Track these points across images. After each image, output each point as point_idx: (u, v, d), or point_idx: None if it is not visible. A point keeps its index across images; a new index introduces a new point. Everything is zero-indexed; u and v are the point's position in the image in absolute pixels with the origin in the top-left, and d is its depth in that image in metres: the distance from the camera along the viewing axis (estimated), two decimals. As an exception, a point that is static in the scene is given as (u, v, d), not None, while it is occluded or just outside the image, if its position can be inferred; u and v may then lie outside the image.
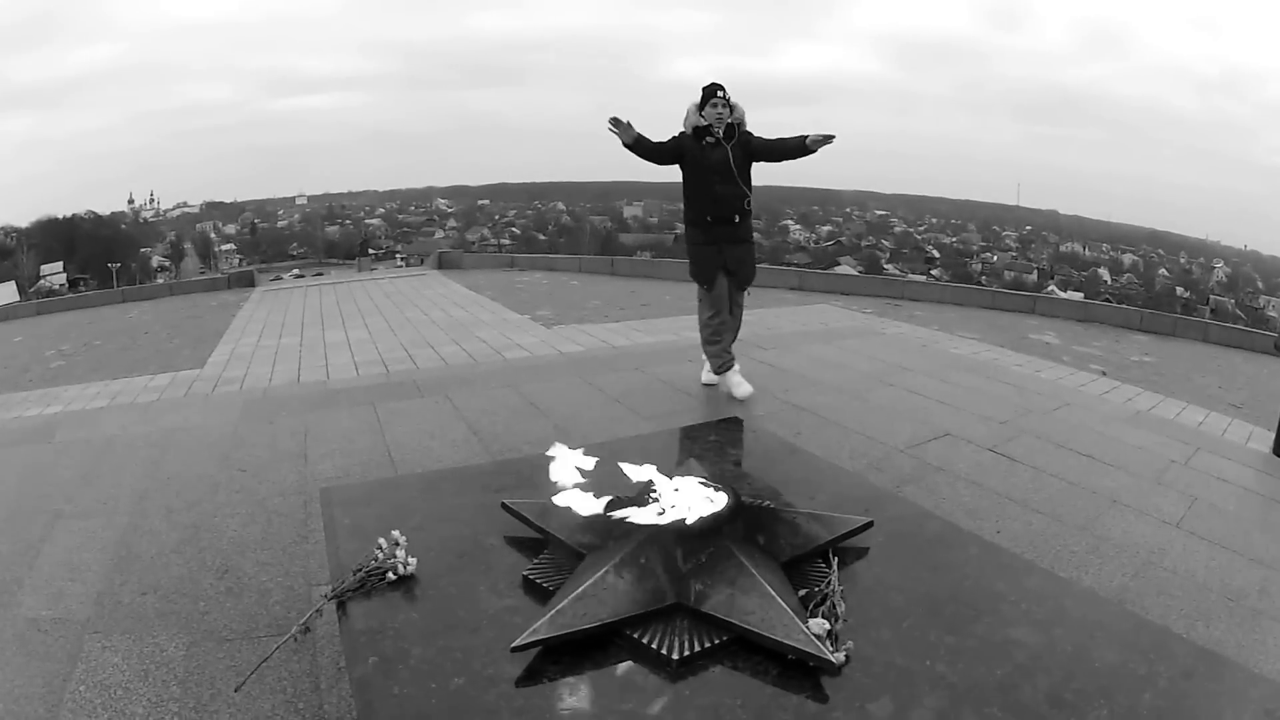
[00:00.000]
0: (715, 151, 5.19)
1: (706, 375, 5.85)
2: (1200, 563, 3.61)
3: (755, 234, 5.78)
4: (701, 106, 5.21)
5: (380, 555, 2.06)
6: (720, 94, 5.18)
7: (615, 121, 5.04)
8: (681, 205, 5.62)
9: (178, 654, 2.61)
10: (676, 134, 5.30)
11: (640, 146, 5.15)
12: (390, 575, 2.02)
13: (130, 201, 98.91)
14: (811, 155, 5.23)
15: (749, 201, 5.35)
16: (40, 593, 3.06)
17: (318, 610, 2.12)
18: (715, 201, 5.28)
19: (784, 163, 5.37)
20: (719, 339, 5.58)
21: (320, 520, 3.39)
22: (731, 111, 5.22)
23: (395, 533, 2.11)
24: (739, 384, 5.54)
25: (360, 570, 2.03)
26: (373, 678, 1.67)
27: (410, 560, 2.05)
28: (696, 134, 5.23)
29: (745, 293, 5.74)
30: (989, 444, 4.82)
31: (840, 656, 1.67)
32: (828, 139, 5.16)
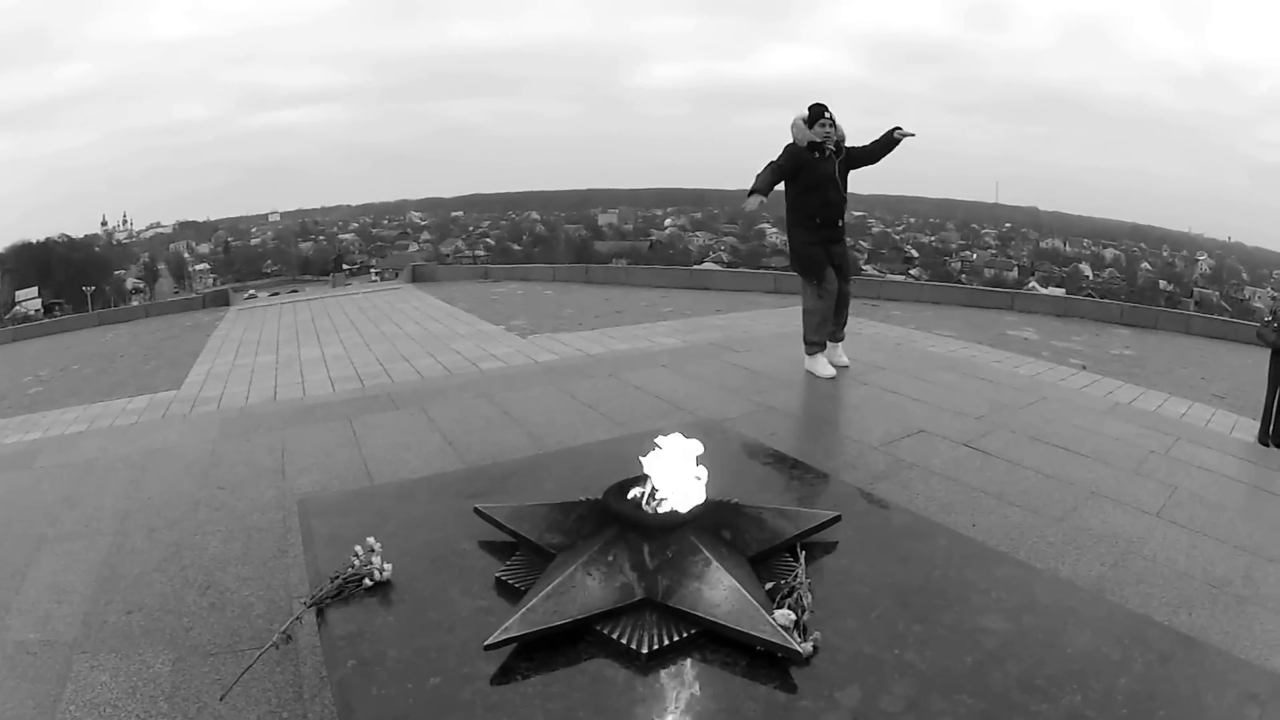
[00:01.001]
0: (826, 164, 5.98)
1: (822, 369, 6.34)
2: (1181, 551, 3.64)
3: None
4: (810, 124, 5.95)
5: (357, 562, 2.07)
6: (827, 114, 5.96)
7: (752, 199, 5.88)
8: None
9: (164, 670, 2.64)
10: (788, 147, 6.04)
11: (771, 186, 5.92)
12: (367, 581, 2.03)
13: (104, 223, 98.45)
14: (896, 146, 6.12)
15: (847, 210, 6.20)
16: (28, 616, 3.08)
17: (298, 618, 2.14)
18: (826, 207, 6.05)
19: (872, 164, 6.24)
20: (821, 330, 6.29)
21: (300, 535, 3.44)
22: (836, 130, 5.98)
23: (370, 539, 2.12)
24: (840, 356, 6.48)
25: (338, 578, 2.04)
26: (352, 680, 1.70)
27: (386, 566, 2.07)
28: (810, 146, 5.95)
29: (849, 281, 6.44)
30: (964, 439, 4.86)
31: (808, 647, 1.70)
32: (909, 134, 6.07)
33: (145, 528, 3.80)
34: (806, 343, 6.35)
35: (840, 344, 6.50)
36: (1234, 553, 3.67)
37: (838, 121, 5.99)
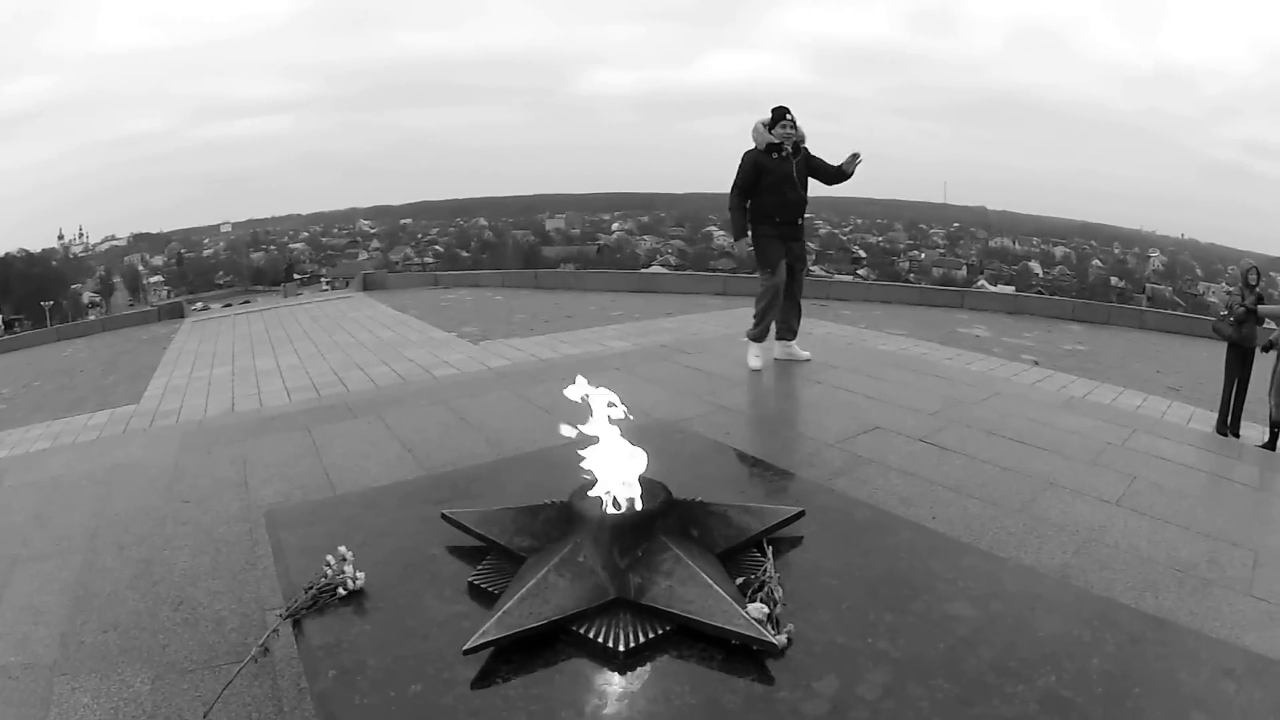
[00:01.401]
0: (784, 165, 6.22)
1: (752, 361, 6.58)
2: (1144, 537, 3.70)
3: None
4: (771, 126, 6.23)
5: (329, 572, 2.08)
6: (788, 116, 6.22)
7: (740, 243, 6.38)
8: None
9: (144, 689, 2.63)
10: (745, 156, 6.31)
11: (745, 215, 6.36)
12: (341, 590, 2.04)
13: (60, 237, 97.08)
14: (849, 179, 6.42)
15: (806, 206, 6.46)
16: (7, 638, 3.06)
17: (274, 630, 2.15)
18: (784, 206, 6.29)
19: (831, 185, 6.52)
20: (767, 317, 6.56)
21: (267, 546, 3.40)
22: (796, 130, 6.23)
23: (342, 549, 2.12)
24: (800, 351, 6.80)
25: (312, 588, 2.04)
26: (334, 690, 1.70)
27: (359, 575, 2.07)
28: (768, 148, 6.23)
29: (805, 274, 6.78)
30: (920, 435, 4.93)
31: (782, 639, 1.74)
32: (855, 158, 6.31)
33: (115, 544, 3.77)
34: (752, 328, 6.63)
35: (794, 342, 6.77)
36: (1197, 538, 3.75)
37: (798, 124, 6.23)
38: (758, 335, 6.62)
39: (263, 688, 2.53)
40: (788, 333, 6.77)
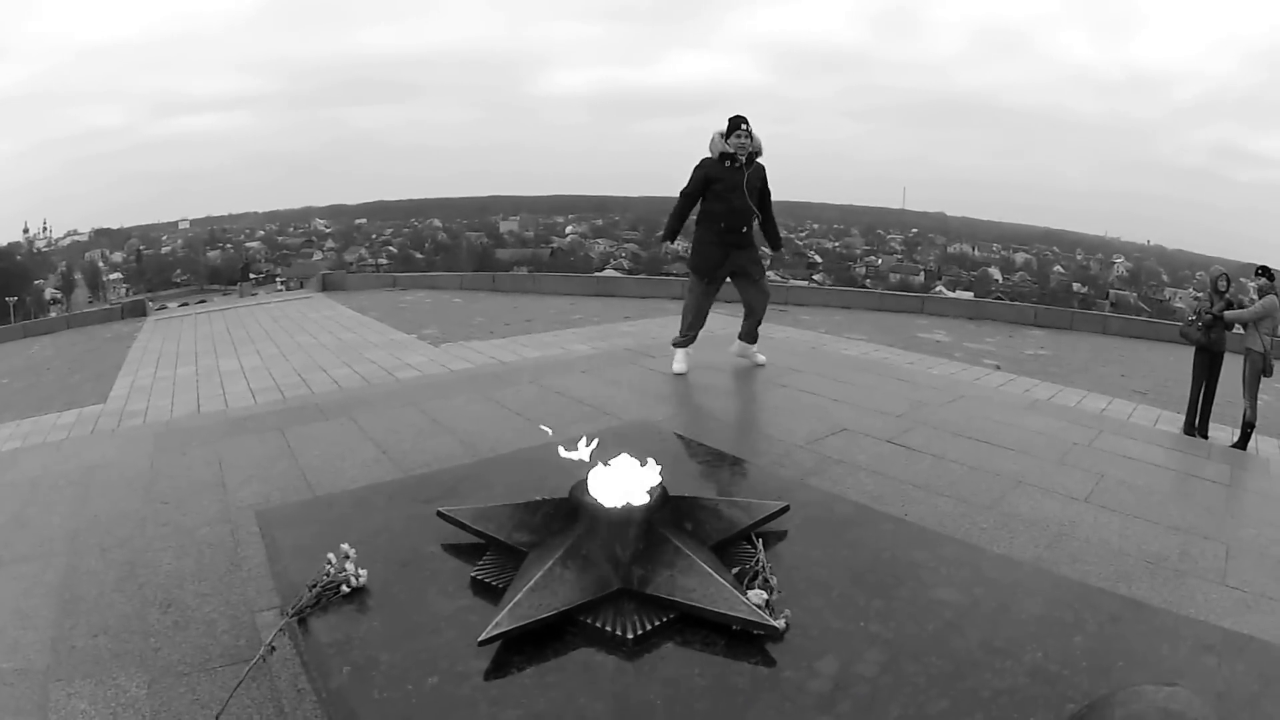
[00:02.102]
0: (736, 174, 6.19)
1: (678, 365, 6.63)
2: (1114, 532, 3.79)
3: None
4: (727, 135, 6.18)
5: (331, 570, 2.11)
6: (744, 126, 6.16)
7: (665, 245, 6.77)
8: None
9: (140, 693, 2.60)
10: (699, 164, 6.30)
11: (681, 223, 6.61)
12: (344, 588, 2.07)
13: (25, 230, 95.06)
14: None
15: (756, 217, 6.39)
16: (-3, 644, 3.02)
17: (281, 629, 2.17)
18: (730, 213, 6.27)
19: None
20: (695, 330, 6.67)
21: (250, 547, 3.45)
22: (751, 141, 6.17)
23: (345, 546, 2.16)
24: (759, 354, 6.85)
25: (315, 586, 2.07)
26: (350, 686, 1.74)
27: (361, 572, 2.11)
28: (721, 157, 6.21)
29: (763, 280, 6.73)
30: (887, 436, 5.00)
31: (781, 623, 1.82)
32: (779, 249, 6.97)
33: (97, 547, 3.72)
34: (679, 335, 6.71)
35: (755, 345, 6.83)
36: (1168, 532, 3.85)
37: (755, 134, 6.20)
38: (681, 342, 6.68)
39: (261, 690, 2.52)
40: (749, 336, 6.78)
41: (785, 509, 2.37)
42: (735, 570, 2.05)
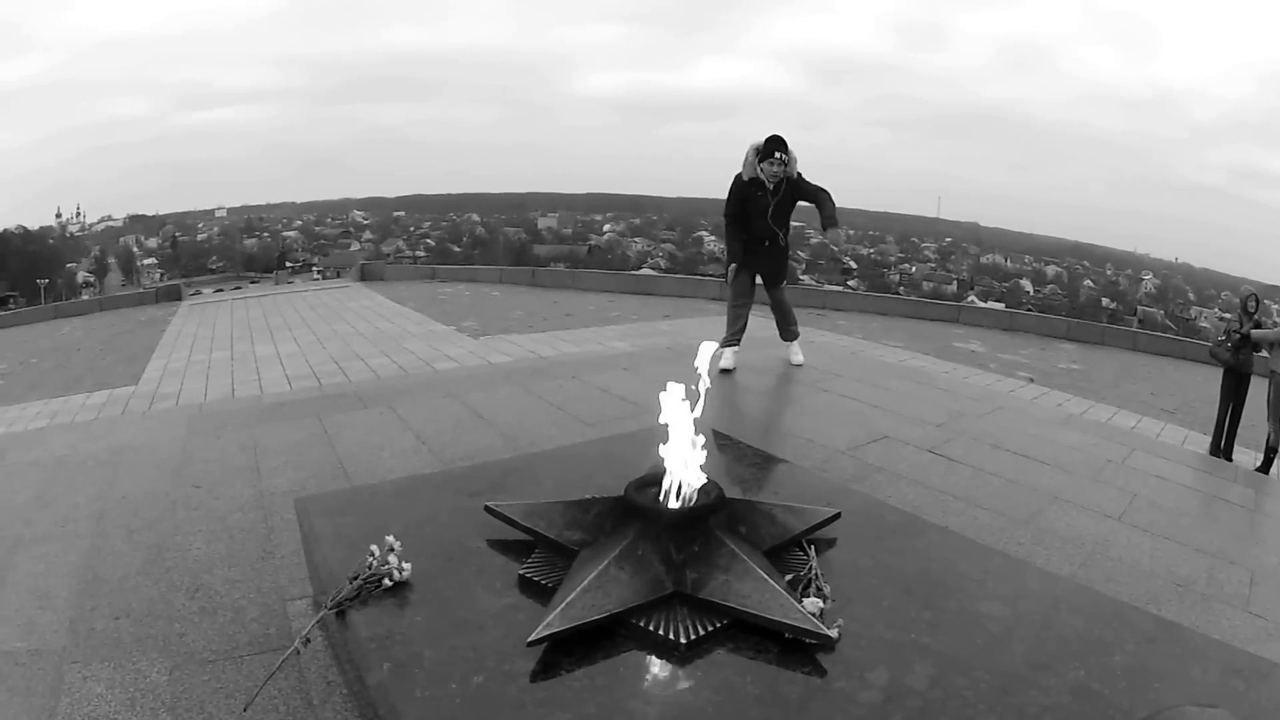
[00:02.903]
0: (764, 200, 6.29)
1: (725, 362, 6.57)
2: (1145, 553, 3.74)
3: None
4: (762, 157, 6.20)
5: (374, 562, 2.07)
6: (779, 155, 6.16)
7: (731, 270, 6.66)
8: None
9: (161, 679, 2.53)
10: (735, 179, 6.37)
11: (737, 235, 6.54)
12: (386, 581, 2.04)
13: (58, 215, 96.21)
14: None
15: (781, 236, 6.54)
16: (11, 623, 2.96)
17: (319, 621, 2.13)
18: (751, 232, 6.42)
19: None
20: (739, 332, 6.68)
21: (284, 534, 3.41)
22: (785, 169, 6.21)
23: (390, 538, 2.12)
24: (796, 353, 6.93)
25: (357, 578, 2.04)
26: (392, 683, 1.70)
27: (405, 566, 2.07)
28: (752, 182, 6.28)
29: (783, 286, 6.84)
30: (927, 445, 4.94)
31: (834, 632, 1.79)
32: (833, 230, 6.38)
33: (124, 528, 3.68)
34: (725, 336, 6.74)
35: (794, 343, 6.95)
36: (1196, 555, 3.80)
37: (790, 159, 6.24)
38: (726, 342, 6.67)
39: (289, 680, 2.45)
40: (787, 334, 6.88)
41: (837, 515, 2.35)
42: (789, 577, 2.02)
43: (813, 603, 1.86)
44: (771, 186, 6.26)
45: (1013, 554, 3.47)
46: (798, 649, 1.77)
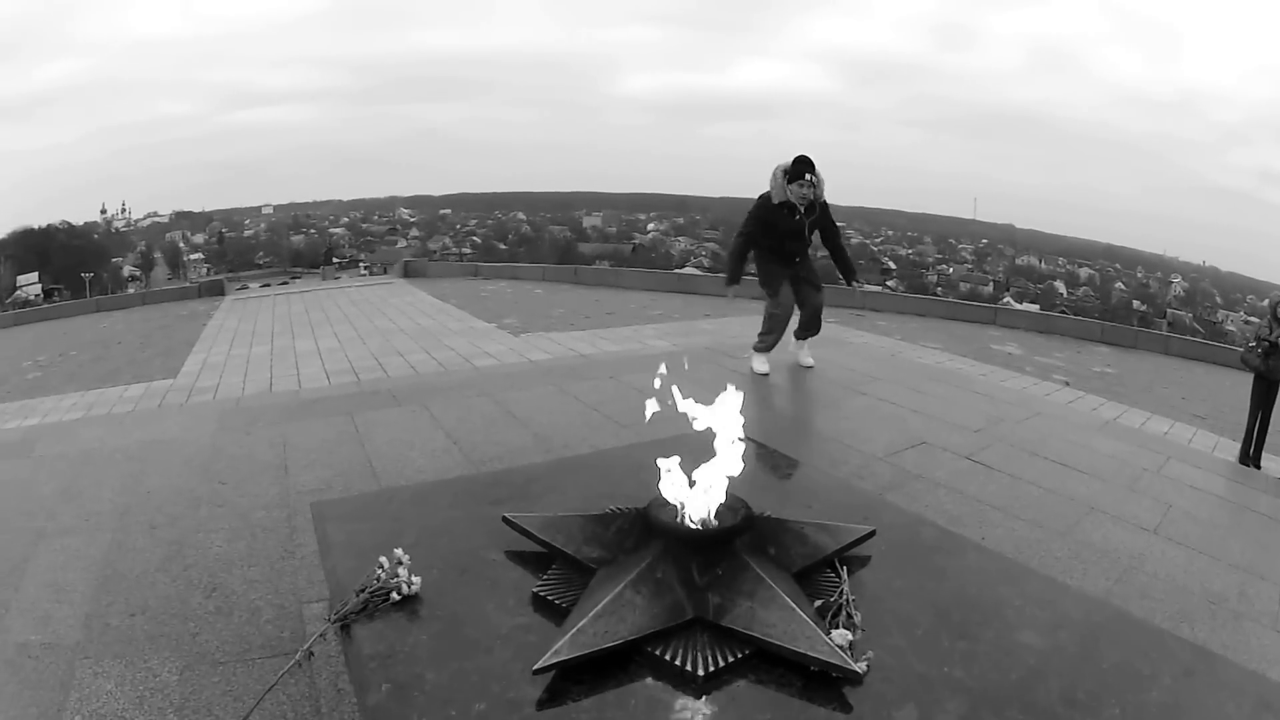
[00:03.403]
0: (795, 224, 6.21)
1: (759, 366, 6.66)
2: (1180, 567, 3.69)
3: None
4: (790, 179, 6.10)
5: (382, 574, 2.00)
6: (809, 176, 6.08)
7: (730, 289, 6.84)
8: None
9: (171, 679, 2.52)
10: (758, 203, 6.33)
11: (743, 264, 6.65)
12: (394, 595, 1.96)
13: (103, 211, 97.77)
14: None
15: (808, 249, 6.54)
16: (27, 616, 2.96)
17: (321, 635, 2.07)
18: (783, 250, 6.36)
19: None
20: (772, 335, 6.66)
21: (307, 534, 3.37)
22: (815, 189, 6.15)
23: (398, 551, 2.05)
24: (807, 355, 6.87)
25: (363, 591, 1.96)
26: (388, 706, 1.62)
27: (414, 579, 1.99)
28: (781, 205, 6.20)
29: (821, 291, 6.76)
30: (965, 452, 4.87)
31: (862, 666, 1.68)
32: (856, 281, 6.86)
33: (146, 524, 3.68)
34: (758, 341, 6.76)
35: (805, 343, 6.89)
36: (1228, 570, 3.75)
37: (819, 180, 6.16)
38: (762, 348, 6.71)
39: (300, 686, 2.43)
40: (799, 333, 6.83)
41: (872, 534, 2.23)
42: (818, 603, 1.90)
43: (841, 634, 1.74)
44: (803, 209, 6.18)
45: (1050, 568, 3.45)
46: (824, 683, 1.66)
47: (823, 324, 6.84)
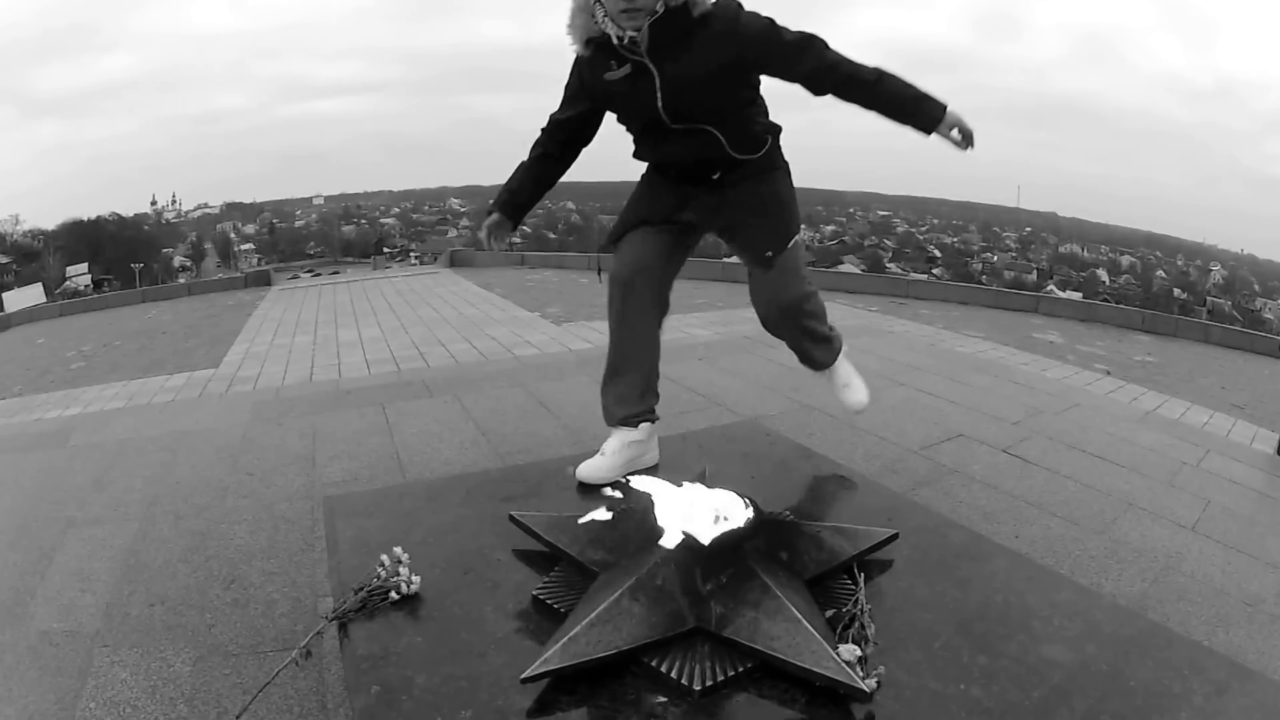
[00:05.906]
0: (630, 80, 2.73)
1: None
2: (1217, 567, 3.53)
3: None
4: None
5: (382, 574, 1.97)
6: None
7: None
8: None
9: (184, 670, 2.52)
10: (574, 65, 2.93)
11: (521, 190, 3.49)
12: (393, 595, 1.93)
13: (153, 203, 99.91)
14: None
15: (724, 145, 2.91)
16: (52, 604, 2.99)
17: (319, 633, 2.04)
18: (647, 153, 3.17)
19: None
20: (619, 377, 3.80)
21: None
22: None
23: (398, 550, 2.02)
24: (847, 390, 3.82)
25: (362, 589, 1.94)
26: (375, 709, 1.59)
27: (414, 579, 1.97)
28: (597, 49, 2.75)
29: (775, 261, 4.15)
30: (1002, 445, 4.73)
31: (871, 683, 1.59)
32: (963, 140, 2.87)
33: (172, 514, 3.68)
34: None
35: (834, 370, 3.86)
36: (1266, 570, 3.58)
37: None
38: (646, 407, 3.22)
39: (307, 681, 2.39)
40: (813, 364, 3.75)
41: (894, 537, 2.15)
42: (830, 613, 1.82)
43: (849, 649, 1.64)
44: (640, 36, 2.58)
45: (1085, 568, 3.31)
46: (829, 699, 1.58)
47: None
